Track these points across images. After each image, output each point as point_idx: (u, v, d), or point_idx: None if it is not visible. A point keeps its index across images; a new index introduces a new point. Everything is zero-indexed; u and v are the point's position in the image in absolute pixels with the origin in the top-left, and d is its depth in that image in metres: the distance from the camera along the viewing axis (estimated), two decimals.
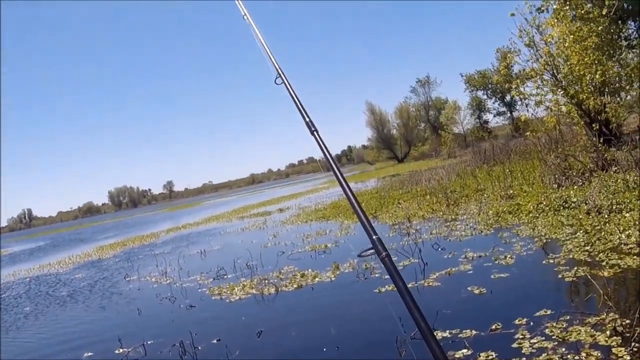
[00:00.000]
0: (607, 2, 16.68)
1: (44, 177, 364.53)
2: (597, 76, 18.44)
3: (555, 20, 19.83)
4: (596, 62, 18.24)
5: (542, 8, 20.24)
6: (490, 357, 6.21)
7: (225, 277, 14.92)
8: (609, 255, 9.16)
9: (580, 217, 12.42)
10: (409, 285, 8.87)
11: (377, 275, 11.52)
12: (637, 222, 10.64)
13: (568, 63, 19.77)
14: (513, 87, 23.76)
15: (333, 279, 12.23)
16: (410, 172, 45.68)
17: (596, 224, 11.45)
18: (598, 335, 6.01)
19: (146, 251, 27.24)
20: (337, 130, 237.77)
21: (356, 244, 15.11)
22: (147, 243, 32.86)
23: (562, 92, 20.79)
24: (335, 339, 8.12)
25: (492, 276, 9.59)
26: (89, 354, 10.00)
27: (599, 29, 17.46)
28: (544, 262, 9.79)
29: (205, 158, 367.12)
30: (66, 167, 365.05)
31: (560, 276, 8.68)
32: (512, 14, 21.49)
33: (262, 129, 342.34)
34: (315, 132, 3.96)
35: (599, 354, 5.62)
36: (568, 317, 6.69)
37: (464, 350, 6.50)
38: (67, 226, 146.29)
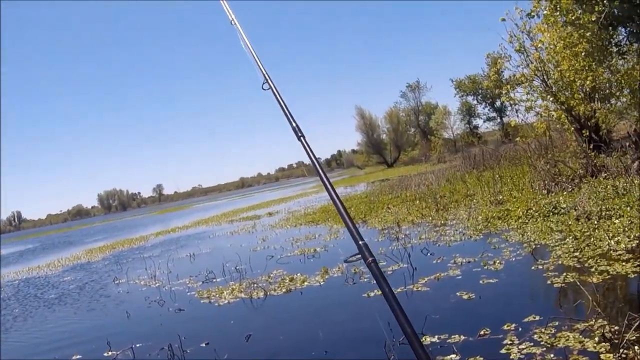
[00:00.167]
0: (597, 9, 16.70)
1: (34, 180, 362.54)
2: (587, 82, 18.50)
3: (546, 26, 19.89)
4: (586, 68, 18.29)
5: (533, 14, 20.28)
6: None
7: (214, 280, 14.88)
8: (598, 261, 9.16)
9: (570, 223, 12.44)
10: (398, 290, 8.91)
11: (366, 279, 11.50)
12: (626, 229, 10.66)
13: (558, 69, 19.83)
14: (503, 92, 23.83)
15: (322, 283, 12.21)
16: (399, 177, 45.77)
17: (585, 230, 11.47)
18: (587, 342, 6.01)
19: (135, 254, 27.16)
20: (326, 133, 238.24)
21: (345, 249, 15.09)
22: (136, 246, 32.76)
23: (552, 98, 20.86)
24: (323, 344, 8.11)
25: (481, 281, 9.58)
26: (78, 356, 9.95)
27: (588, 34, 17.50)
28: (533, 267, 9.80)
29: (195, 161, 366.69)
30: (56, 169, 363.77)
31: (549, 282, 8.68)
32: (503, 20, 21.56)
33: (252, 132, 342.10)
34: (302, 138, 3.96)
35: None
36: (557, 323, 6.69)
37: (453, 356, 6.49)
38: (57, 229, 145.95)
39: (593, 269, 8.79)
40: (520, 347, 6.28)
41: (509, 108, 59.19)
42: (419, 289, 10.04)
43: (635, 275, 8.12)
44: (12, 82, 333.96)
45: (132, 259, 25.33)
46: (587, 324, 6.45)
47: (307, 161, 3.83)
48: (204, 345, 9.06)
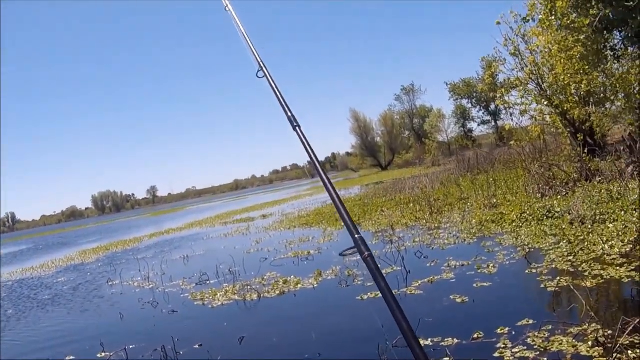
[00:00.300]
0: (591, 12, 16.71)
1: (28, 181, 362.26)
2: (582, 86, 18.52)
3: (541, 30, 19.92)
4: (581, 71, 18.31)
5: (528, 17, 20.32)
6: None
7: (208, 282, 14.85)
8: (592, 265, 9.17)
9: (564, 227, 12.44)
10: None
11: (359, 282, 11.50)
12: (620, 233, 10.67)
13: (553, 72, 19.86)
14: (498, 96, 23.88)
15: (315, 285, 12.20)
16: (394, 180, 45.76)
17: (579, 234, 11.47)
18: (580, 346, 6.01)
19: (129, 256, 27.11)
20: (321, 136, 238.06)
21: (339, 251, 15.04)
22: (130, 248, 32.70)
23: (546, 101, 20.88)
24: (317, 346, 8.09)
25: (474, 285, 9.58)
26: (71, 357, 9.94)
27: (582, 37, 17.51)
28: (526, 271, 9.80)
29: (190, 163, 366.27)
30: (50, 171, 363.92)
31: (542, 286, 8.68)
32: (498, 23, 21.64)
33: (246, 135, 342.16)
34: (297, 128, 3.94)
35: None
36: (550, 327, 6.68)
37: (446, 359, 6.49)
38: (51, 230, 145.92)
39: (587, 273, 8.78)
40: (513, 350, 6.27)
41: (504, 111, 59.52)
42: (413, 292, 10.03)
43: (629, 279, 8.12)
44: (7, 83, 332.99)
45: (125, 260, 25.28)
46: (580, 328, 6.45)
47: (302, 163, 3.83)
48: (197, 346, 9.04)
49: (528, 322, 7.04)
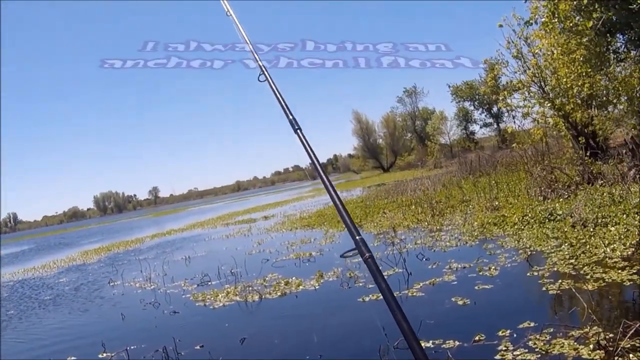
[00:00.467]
0: (594, 15, 16.72)
1: (29, 182, 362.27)
2: (584, 89, 18.49)
3: (544, 33, 19.89)
4: (584, 74, 18.28)
5: (531, 20, 20.30)
6: None
7: (210, 283, 14.85)
8: (594, 268, 9.16)
9: (566, 230, 12.43)
10: None
11: (361, 284, 11.49)
12: (622, 236, 10.66)
13: (555, 75, 19.82)
14: (500, 98, 23.84)
15: (317, 287, 12.20)
16: (395, 182, 45.69)
17: (581, 237, 11.46)
18: (581, 349, 6.00)
19: (131, 256, 27.12)
20: (323, 137, 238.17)
21: (340, 253, 15.03)
22: (131, 248, 32.71)
23: (549, 104, 20.85)
24: (318, 347, 8.09)
25: (476, 287, 9.58)
26: (72, 357, 9.92)
27: (585, 40, 17.50)
28: (528, 274, 9.80)
29: (192, 164, 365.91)
30: (52, 171, 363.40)
31: (544, 289, 8.67)
32: (501, 26, 21.59)
33: (248, 136, 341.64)
34: (298, 131, 3.95)
35: None
36: (551, 330, 6.68)
37: None
38: (52, 230, 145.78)
39: (588, 276, 8.78)
40: (514, 353, 6.27)
41: (506, 114, 59.65)
42: (414, 294, 10.03)
43: (631, 283, 8.12)
44: (7, 83, 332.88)
45: (127, 261, 25.29)
46: (582, 331, 6.45)
47: (304, 165, 3.86)
48: (198, 347, 9.04)
49: (529, 324, 7.04)
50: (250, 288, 12.86)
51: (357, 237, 3.10)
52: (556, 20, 18.46)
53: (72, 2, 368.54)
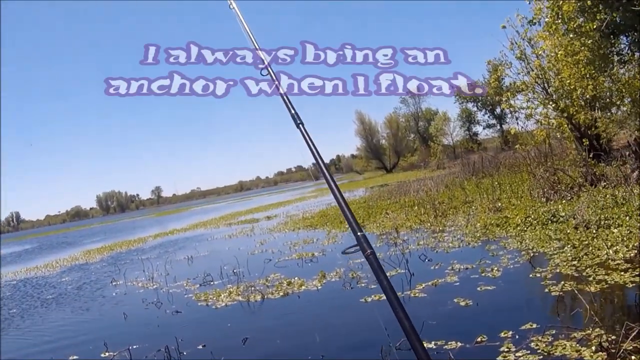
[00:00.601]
0: (598, 17, 16.68)
1: (32, 181, 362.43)
2: (588, 90, 18.45)
3: (547, 34, 19.85)
4: (587, 76, 18.24)
5: (534, 21, 20.25)
6: None
7: (212, 283, 14.87)
8: (596, 270, 9.16)
9: (568, 231, 12.41)
10: None
11: (363, 284, 11.50)
12: (625, 238, 10.65)
13: (559, 77, 19.79)
14: (503, 99, 23.76)
15: (319, 287, 12.21)
16: (398, 183, 45.67)
17: (584, 239, 11.44)
18: (583, 350, 6.01)
19: (133, 256, 27.12)
20: (326, 138, 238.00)
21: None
22: (134, 248, 32.73)
23: (552, 105, 20.82)
24: (320, 347, 8.09)
25: (478, 288, 9.58)
26: (74, 357, 9.94)
27: (589, 42, 17.46)
28: (530, 275, 9.80)
29: (194, 164, 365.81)
30: (55, 170, 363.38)
31: (546, 290, 8.68)
32: (504, 27, 21.52)
33: (251, 136, 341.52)
34: (300, 125, 3.95)
35: None
36: (554, 332, 6.68)
37: None
38: (55, 230, 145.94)
39: (591, 278, 8.78)
40: (517, 354, 6.28)
41: (509, 115, 59.38)
42: (417, 294, 10.03)
43: (634, 284, 8.11)
44: (7, 83, 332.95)
45: (130, 260, 25.31)
46: (584, 333, 6.45)
47: (307, 165, 3.84)
48: (200, 347, 9.05)
49: (532, 326, 7.04)
50: (253, 288, 12.87)
51: (359, 233, 3.10)
52: (560, 21, 18.42)
53: (72, 2, 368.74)
